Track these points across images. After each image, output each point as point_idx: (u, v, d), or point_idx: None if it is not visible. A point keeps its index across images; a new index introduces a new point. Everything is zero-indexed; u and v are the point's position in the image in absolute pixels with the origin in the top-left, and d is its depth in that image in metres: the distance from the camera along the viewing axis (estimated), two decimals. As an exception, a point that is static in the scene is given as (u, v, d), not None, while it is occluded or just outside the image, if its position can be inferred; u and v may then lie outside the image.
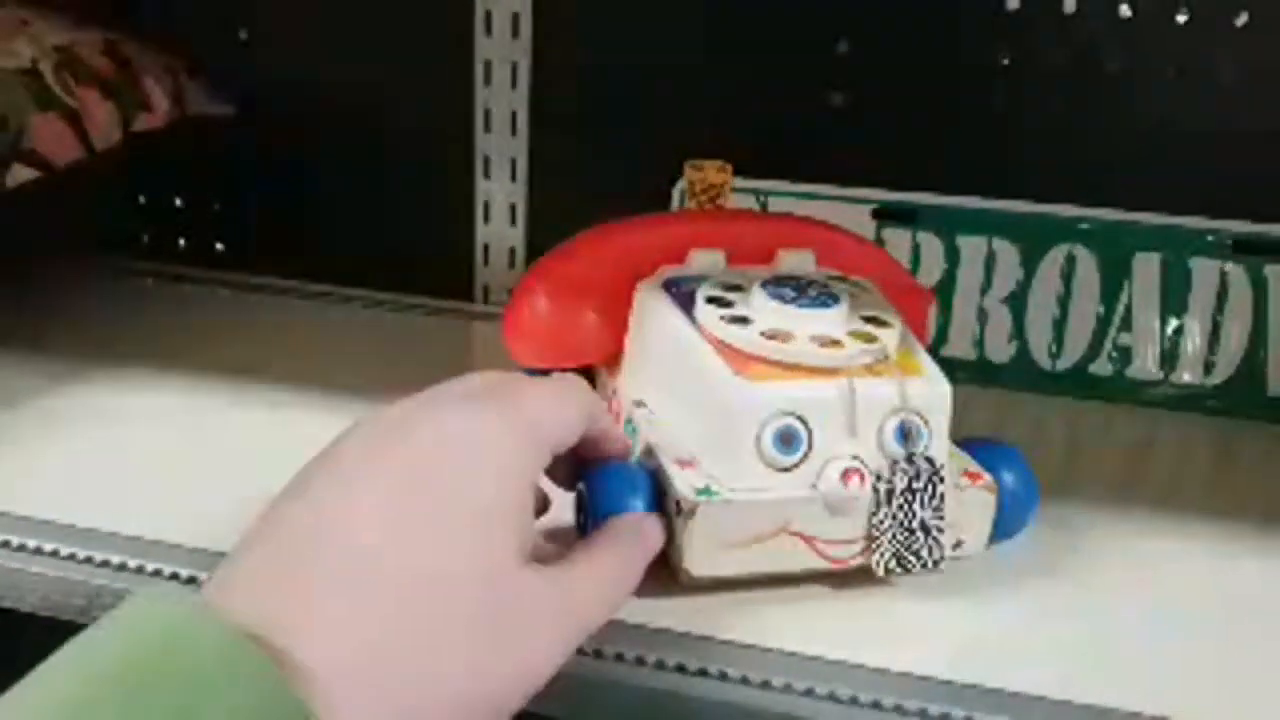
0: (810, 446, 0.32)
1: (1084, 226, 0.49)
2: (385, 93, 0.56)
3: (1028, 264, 0.50)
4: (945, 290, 0.51)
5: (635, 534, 0.31)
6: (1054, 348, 0.50)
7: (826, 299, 0.35)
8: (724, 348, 0.33)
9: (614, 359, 0.39)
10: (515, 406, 0.28)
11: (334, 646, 0.22)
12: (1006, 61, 0.50)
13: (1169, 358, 0.50)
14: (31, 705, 0.20)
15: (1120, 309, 0.50)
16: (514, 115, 0.55)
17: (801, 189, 0.52)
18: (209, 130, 0.57)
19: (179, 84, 0.55)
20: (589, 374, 0.39)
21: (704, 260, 0.38)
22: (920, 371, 0.33)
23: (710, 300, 0.35)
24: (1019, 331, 0.51)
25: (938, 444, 0.33)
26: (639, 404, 0.35)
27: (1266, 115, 0.49)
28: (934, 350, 0.49)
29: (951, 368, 0.50)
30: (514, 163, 0.55)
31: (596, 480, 0.32)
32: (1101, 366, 0.50)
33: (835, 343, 0.33)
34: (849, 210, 0.52)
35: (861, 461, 0.32)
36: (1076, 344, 0.50)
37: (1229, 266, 0.49)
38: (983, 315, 0.51)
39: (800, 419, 0.31)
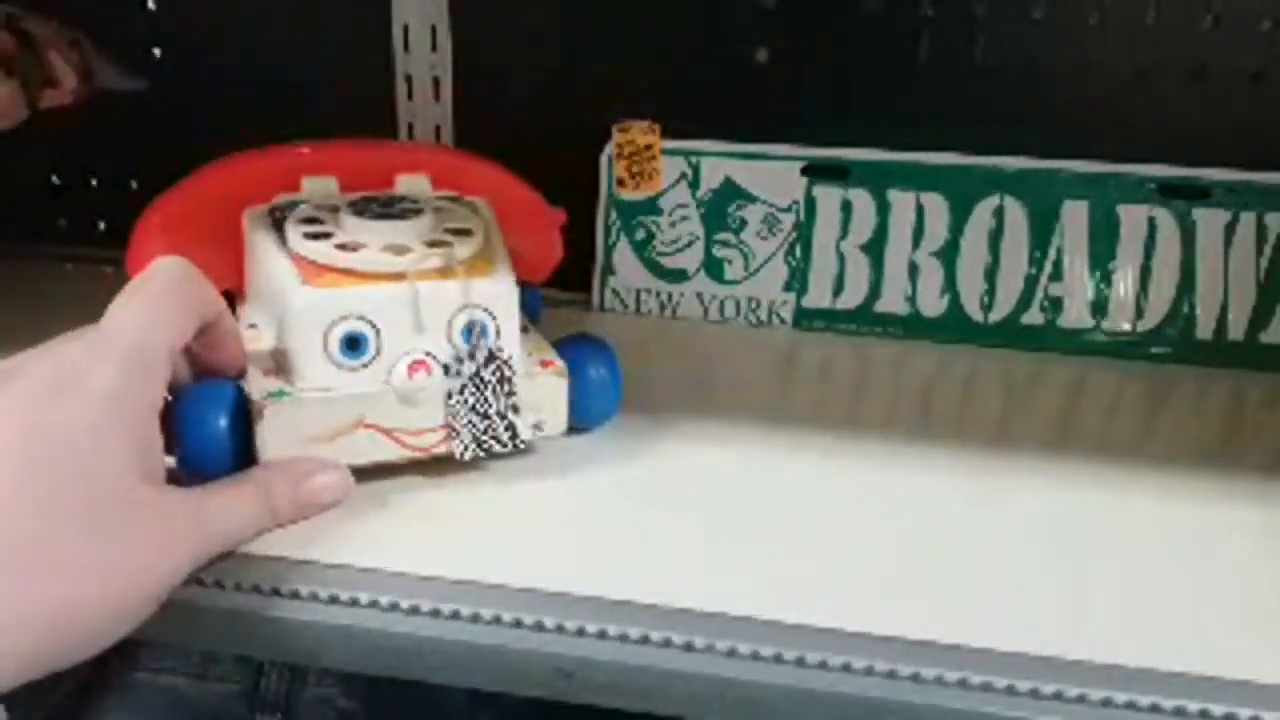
0: (380, 346, 0.35)
1: (1012, 177, 0.49)
2: (302, 62, 0.55)
3: (957, 217, 0.50)
4: (877, 245, 0.51)
5: (287, 474, 0.33)
6: (986, 299, 0.50)
7: (409, 214, 0.37)
8: (301, 261, 0.36)
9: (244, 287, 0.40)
10: (102, 333, 0.29)
11: None
12: (930, 13, 0.50)
13: (1100, 305, 0.50)
14: None
15: (1050, 258, 0.50)
16: (436, 82, 0.53)
17: (731, 148, 0.51)
18: (121, 106, 0.55)
19: (86, 59, 0.53)
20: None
21: (315, 187, 0.40)
22: (492, 273, 0.36)
23: (302, 221, 0.37)
24: (951, 284, 0.51)
25: (507, 336, 0.36)
26: (252, 326, 0.37)
27: (1186, 58, 0.49)
28: (867, 305, 0.51)
29: (885, 322, 0.52)
30: (438, 130, 0.54)
31: (182, 398, 0.33)
32: (1033, 316, 0.50)
33: (405, 250, 0.35)
34: (780, 168, 0.51)
35: (431, 356, 0.35)
36: (1008, 295, 0.50)
37: (1156, 212, 0.49)
38: (914, 269, 0.51)
39: (368, 320, 0.34)
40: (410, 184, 0.41)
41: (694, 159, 0.52)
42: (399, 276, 0.35)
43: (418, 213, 0.38)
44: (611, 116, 0.52)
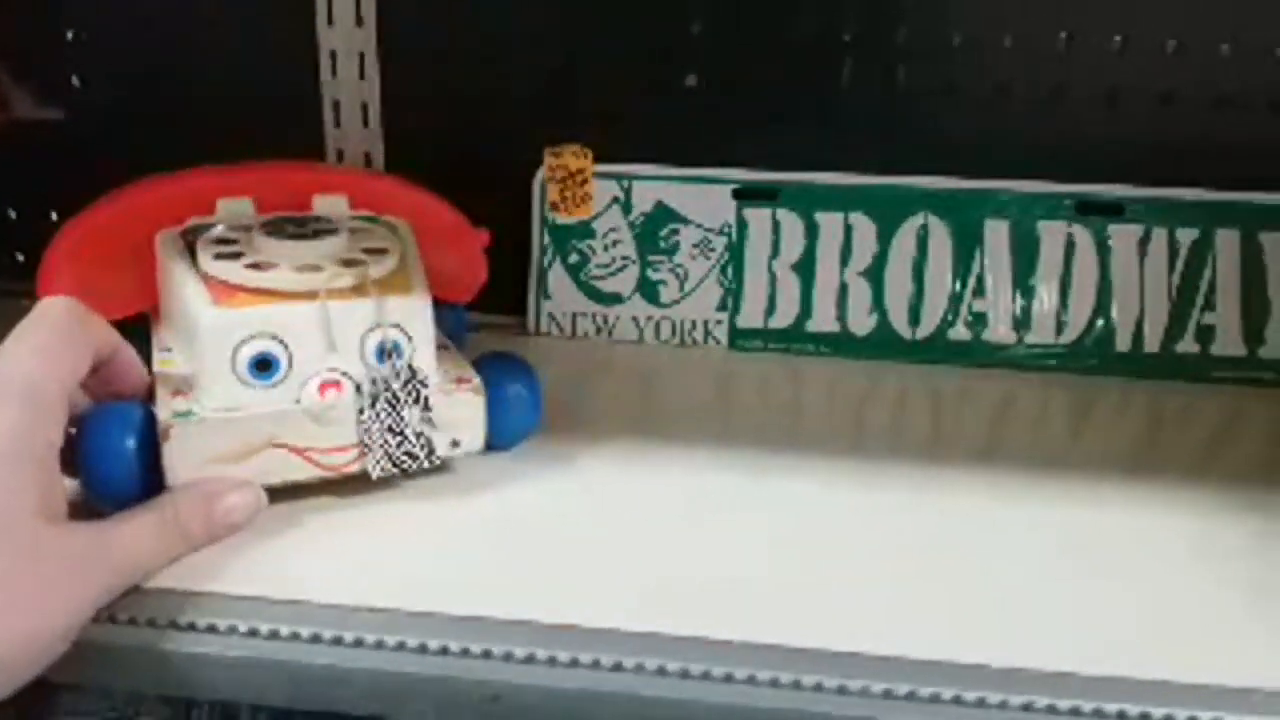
0: (291, 364, 0.35)
1: (935, 197, 0.51)
2: (226, 90, 0.54)
3: (884, 236, 0.51)
4: (807, 265, 0.52)
5: (196, 495, 0.33)
6: (913, 316, 0.52)
7: (322, 234, 0.37)
8: (211, 282, 0.36)
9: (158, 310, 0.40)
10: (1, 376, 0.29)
11: None
12: (853, 39, 0.51)
13: (1022, 320, 0.51)
14: None
15: (974, 275, 0.51)
16: (365, 108, 0.53)
17: (663, 171, 0.52)
18: (39, 136, 0.54)
19: (2, 88, 0.52)
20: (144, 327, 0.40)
21: (230, 209, 0.40)
22: (406, 291, 0.36)
23: (213, 242, 0.37)
24: (879, 302, 0.52)
25: (421, 354, 0.37)
26: (166, 350, 0.37)
27: (1099, 80, 0.51)
28: (799, 324, 0.51)
29: (816, 341, 0.52)
30: (368, 157, 0.54)
31: (88, 419, 0.33)
32: (959, 332, 0.51)
33: (317, 269, 0.36)
34: (711, 191, 0.52)
35: (343, 374, 0.35)
36: (934, 312, 0.51)
37: (1074, 228, 0.50)
38: (843, 289, 0.52)
39: (278, 339, 0.34)
40: (327, 205, 0.41)
41: (626, 182, 0.52)
42: (310, 295, 0.35)
43: (332, 233, 0.38)
44: (544, 141, 0.53)
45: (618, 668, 0.29)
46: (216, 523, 0.33)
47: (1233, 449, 0.47)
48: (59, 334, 0.31)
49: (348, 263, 0.37)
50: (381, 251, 0.38)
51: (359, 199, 0.42)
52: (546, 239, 0.52)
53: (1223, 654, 0.30)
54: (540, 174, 0.52)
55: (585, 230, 0.52)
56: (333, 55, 0.53)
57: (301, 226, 0.38)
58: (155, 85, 0.55)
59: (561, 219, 0.52)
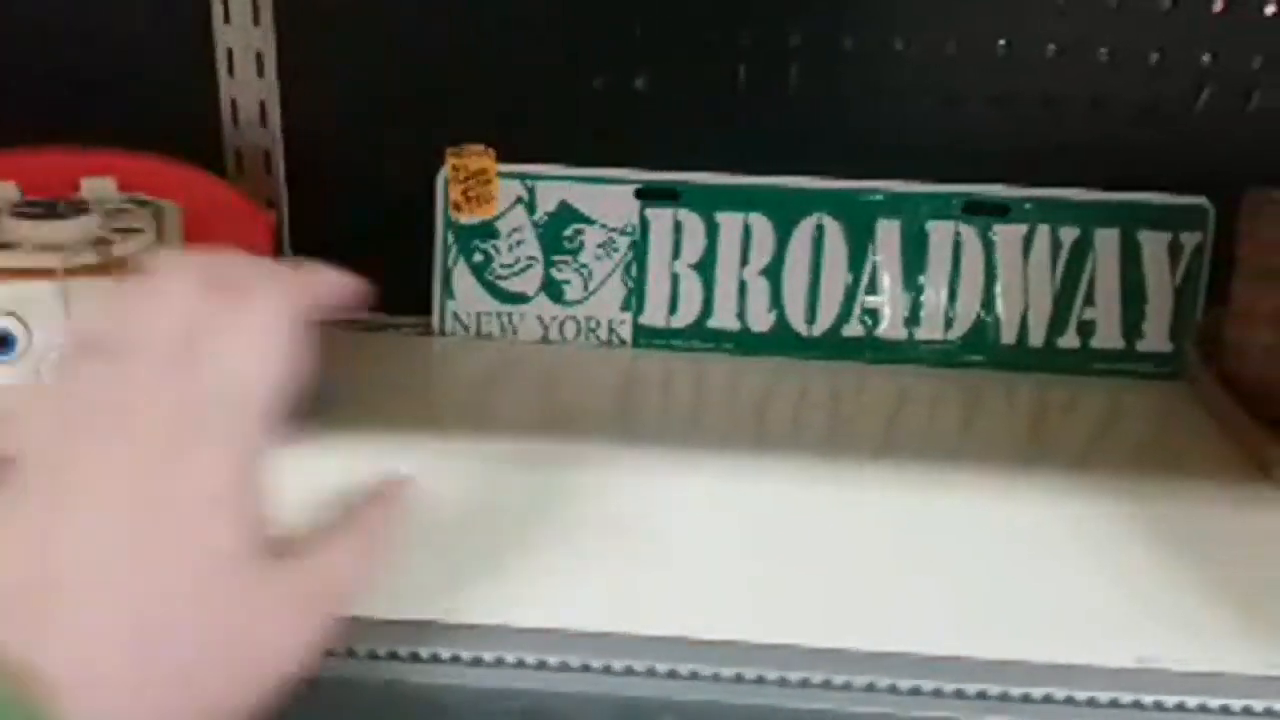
0: (30, 342, 0.36)
1: (830, 197, 0.52)
2: (122, 92, 0.53)
3: (781, 236, 0.52)
4: (708, 265, 0.53)
5: (379, 499, 0.28)
6: (809, 314, 0.53)
7: (72, 214, 0.38)
8: None
9: None
10: (230, 378, 0.24)
11: (72, 661, 0.21)
12: (749, 44, 0.52)
13: (913, 317, 0.53)
14: None
15: (866, 273, 0.53)
16: (263, 107, 0.53)
17: (566, 172, 0.52)
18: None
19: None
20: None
21: None
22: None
23: None
24: (777, 300, 0.53)
25: None
26: None
27: (986, 85, 0.53)
28: (700, 323, 0.53)
29: (717, 338, 0.54)
30: (267, 156, 0.53)
31: None
32: (853, 329, 0.53)
33: (60, 248, 0.37)
34: (614, 191, 0.53)
35: None
36: (829, 309, 0.53)
37: (961, 228, 0.52)
38: (743, 287, 0.53)
39: (17, 317, 0.35)
40: (94, 187, 0.42)
41: (530, 182, 0.52)
42: (50, 273, 0.36)
43: (82, 212, 0.38)
44: (447, 141, 0.53)
45: (499, 662, 0.30)
46: (392, 530, 0.28)
47: (1113, 438, 0.49)
48: (283, 335, 0.25)
49: (95, 241, 0.37)
50: (136, 231, 0.39)
51: (132, 182, 0.43)
52: (450, 239, 0.53)
53: (1102, 634, 0.32)
54: (443, 173, 0.52)
55: (489, 230, 0.53)
56: (229, 53, 0.52)
57: (53, 209, 0.39)
58: (50, 84, 0.54)
59: (464, 219, 0.52)
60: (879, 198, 0.52)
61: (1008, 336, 0.53)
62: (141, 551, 0.22)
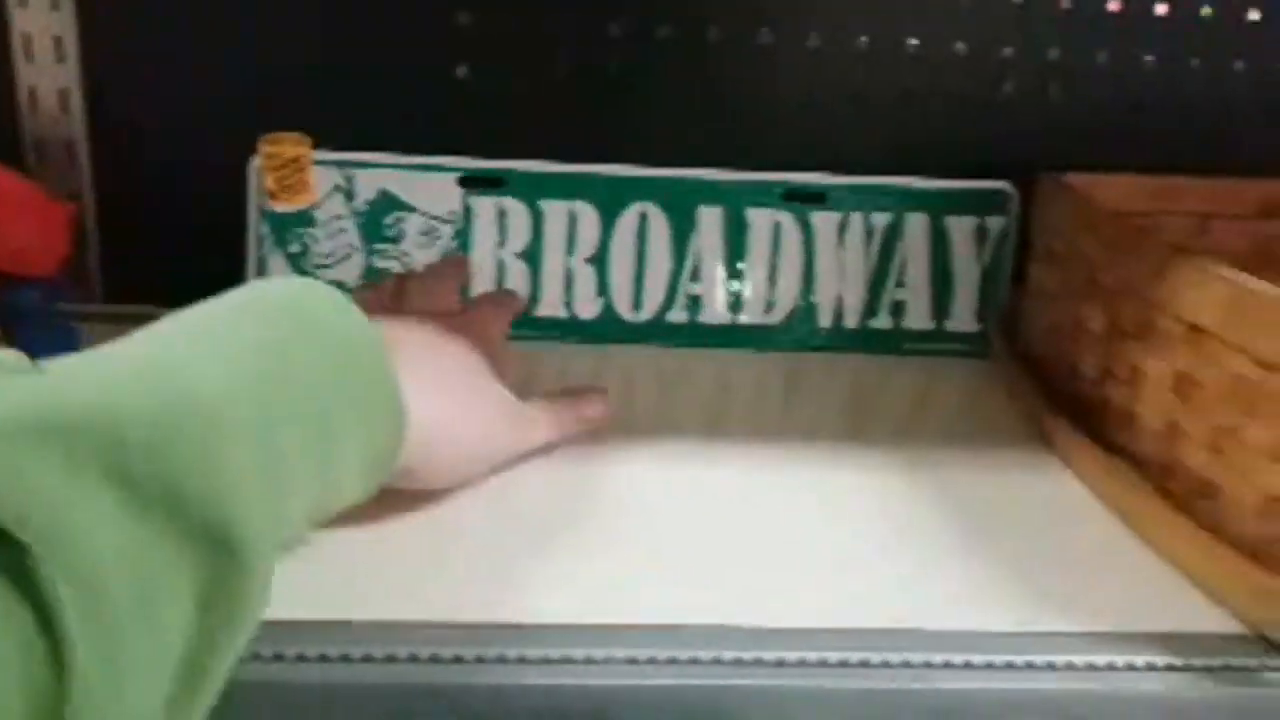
0: None
1: (653, 185, 0.53)
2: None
3: (606, 224, 0.53)
4: (534, 254, 0.53)
5: (577, 401, 0.44)
6: (635, 301, 0.54)
7: None
8: None
9: None
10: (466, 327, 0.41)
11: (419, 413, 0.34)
12: (568, 31, 0.53)
13: (736, 302, 0.54)
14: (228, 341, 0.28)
15: (690, 260, 0.54)
16: (64, 95, 0.50)
17: (387, 159, 0.52)
18: None
19: None
20: None
21: None
22: None
23: None
24: (603, 288, 0.53)
25: None
26: None
27: (798, 79, 0.54)
28: (527, 311, 0.53)
29: (544, 326, 0.54)
30: (70, 146, 0.51)
31: None
32: (678, 315, 0.54)
33: None
34: (436, 179, 0.52)
35: None
36: (654, 296, 0.54)
37: (781, 215, 0.54)
38: (569, 275, 0.53)
39: None
40: None
41: (349, 170, 0.52)
42: None
43: None
44: (262, 128, 0.52)
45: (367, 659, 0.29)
46: (578, 423, 0.43)
47: (925, 414, 0.51)
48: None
49: None
50: None
51: None
52: (264, 228, 0.52)
53: (871, 596, 0.34)
54: (255, 161, 0.51)
55: (306, 219, 0.52)
56: (26, 39, 0.50)
57: None
58: None
59: (280, 208, 0.51)
60: (700, 186, 0.53)
61: (825, 319, 0.55)
62: (455, 359, 0.39)
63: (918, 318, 0.55)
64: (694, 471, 0.41)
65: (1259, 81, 0.56)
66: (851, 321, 0.55)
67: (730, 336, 0.54)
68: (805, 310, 0.54)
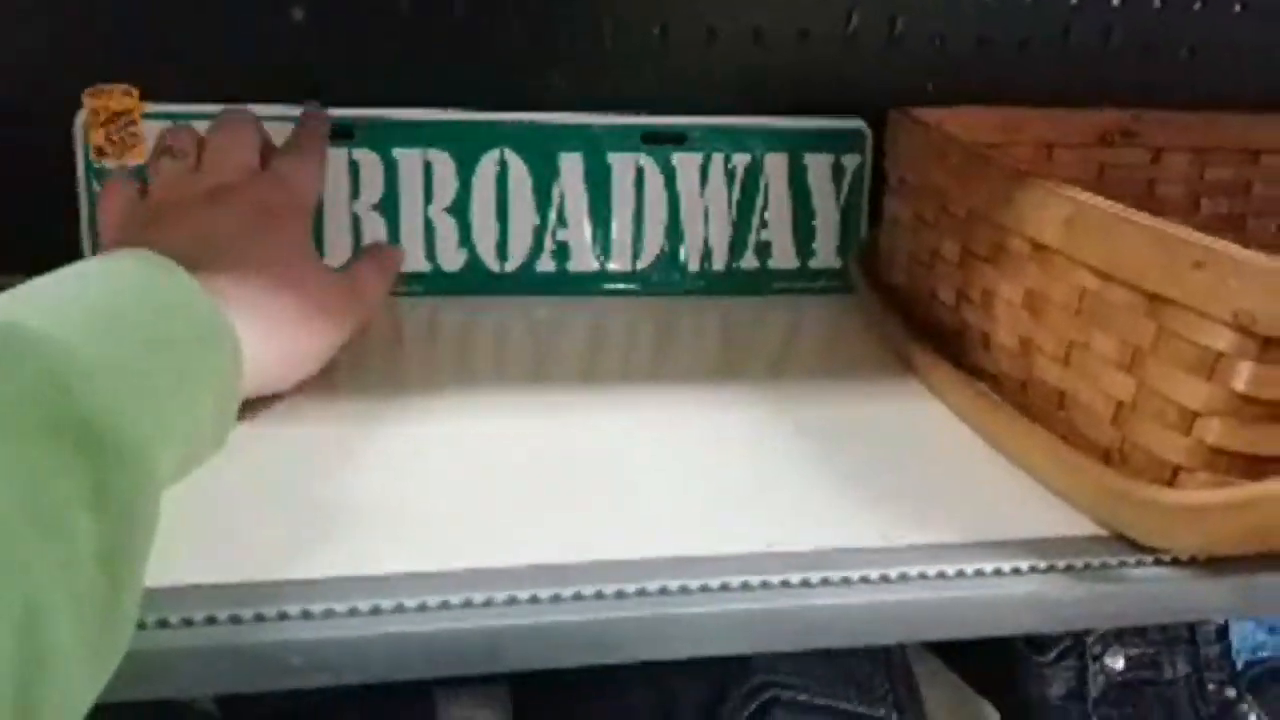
0: None
1: (510, 131, 0.52)
2: None
3: (464, 172, 0.51)
4: (390, 205, 0.51)
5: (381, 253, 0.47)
6: (500, 251, 0.53)
7: None
8: None
9: None
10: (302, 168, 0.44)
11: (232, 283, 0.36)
12: (415, -29, 0.51)
13: (603, 249, 0.54)
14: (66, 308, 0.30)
15: (554, 207, 0.53)
16: None
17: (220, 110, 0.49)
18: None
19: None
20: None
21: None
22: None
23: None
24: (466, 238, 0.52)
25: None
26: None
27: (654, 15, 0.53)
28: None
29: (407, 280, 0.52)
30: None
31: None
32: (545, 264, 0.53)
33: None
34: (277, 130, 0.49)
35: None
36: (520, 245, 0.53)
37: (642, 159, 0.53)
38: (430, 227, 0.52)
39: None
40: None
41: (182, 124, 0.48)
42: None
43: None
44: (89, 79, 0.48)
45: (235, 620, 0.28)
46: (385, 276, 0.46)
47: (793, 350, 0.52)
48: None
49: None
50: None
51: None
52: (96, 186, 0.48)
53: (788, 520, 0.34)
54: (81, 116, 0.47)
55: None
56: None
57: None
58: None
59: (110, 164, 0.48)
60: (559, 130, 0.52)
61: (693, 263, 0.55)
62: (265, 243, 0.39)
63: (783, 257, 0.56)
64: (569, 418, 0.41)
65: (1096, 15, 0.59)
66: (719, 264, 0.55)
67: (600, 283, 0.54)
68: (672, 254, 0.54)
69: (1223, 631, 0.54)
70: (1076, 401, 0.35)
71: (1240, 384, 0.29)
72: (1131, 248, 0.32)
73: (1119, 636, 0.53)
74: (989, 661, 0.54)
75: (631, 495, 0.35)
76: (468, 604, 0.29)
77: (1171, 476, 0.31)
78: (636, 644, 0.30)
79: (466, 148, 0.51)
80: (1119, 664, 0.53)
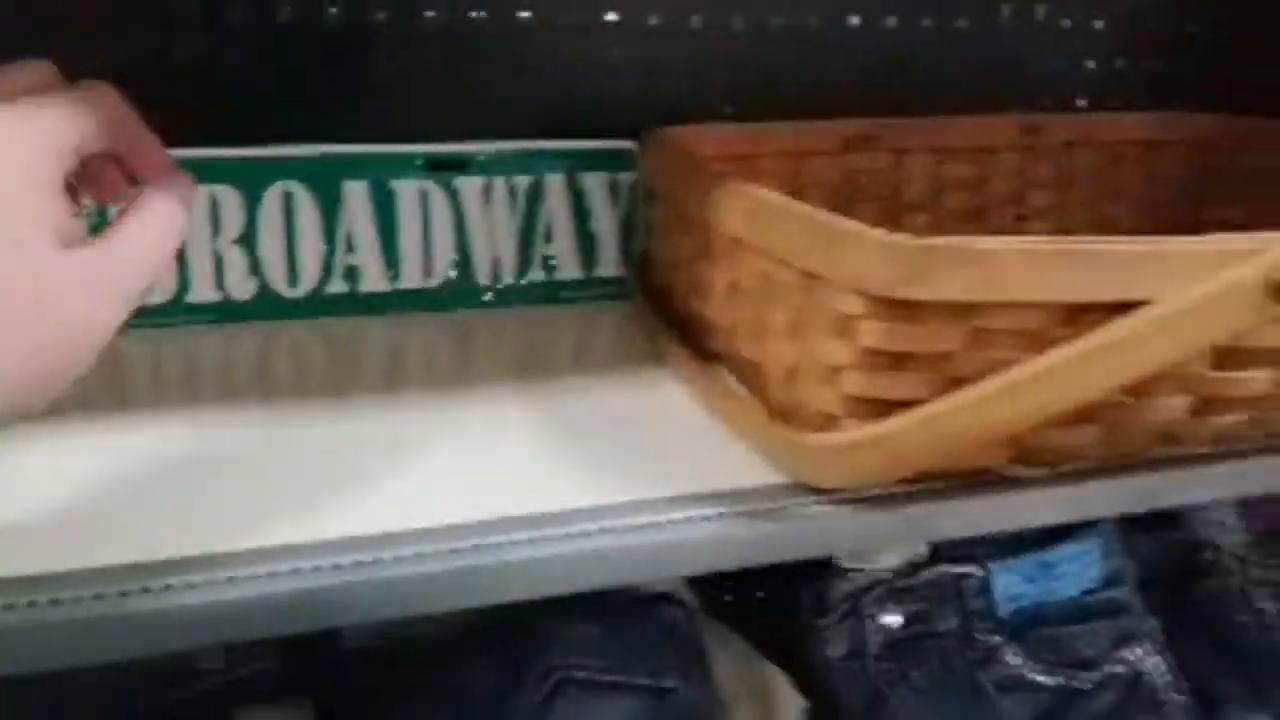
0: None
1: (294, 165, 0.55)
2: None
3: (250, 205, 0.54)
4: (180, 240, 0.54)
5: (165, 203, 0.33)
6: (291, 278, 0.55)
7: None
8: None
9: None
10: (25, 117, 0.29)
11: None
12: (176, 16, 0.54)
13: (393, 271, 0.57)
14: None
15: (342, 233, 0.56)
16: None
17: None
18: None
19: None
20: None
21: None
22: None
23: None
24: (256, 268, 0.55)
25: None
26: None
27: (428, 55, 0.58)
28: (178, 298, 0.53)
29: (198, 311, 0.54)
30: None
31: None
32: (337, 286, 0.56)
33: None
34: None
35: None
36: (311, 270, 0.56)
37: (426, 184, 0.57)
38: (219, 258, 0.54)
39: None
40: None
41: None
42: None
43: None
44: None
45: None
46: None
47: (577, 353, 0.56)
48: (92, 101, 0.31)
49: None
50: None
51: None
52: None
53: (526, 494, 0.38)
54: None
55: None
56: None
57: None
58: None
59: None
60: (341, 161, 0.55)
61: (483, 278, 0.58)
62: None
63: (569, 269, 0.60)
64: (373, 428, 0.44)
65: (834, 34, 0.65)
66: (508, 279, 0.59)
67: (392, 302, 0.57)
68: (462, 272, 0.58)
69: (985, 585, 0.59)
70: (764, 370, 0.40)
71: (868, 340, 0.34)
72: (791, 233, 0.37)
73: (892, 595, 0.58)
74: (774, 627, 0.58)
75: (413, 478, 0.39)
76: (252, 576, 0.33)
77: (827, 425, 0.36)
78: (379, 604, 0.34)
79: (251, 182, 0.54)
80: (895, 620, 0.58)
